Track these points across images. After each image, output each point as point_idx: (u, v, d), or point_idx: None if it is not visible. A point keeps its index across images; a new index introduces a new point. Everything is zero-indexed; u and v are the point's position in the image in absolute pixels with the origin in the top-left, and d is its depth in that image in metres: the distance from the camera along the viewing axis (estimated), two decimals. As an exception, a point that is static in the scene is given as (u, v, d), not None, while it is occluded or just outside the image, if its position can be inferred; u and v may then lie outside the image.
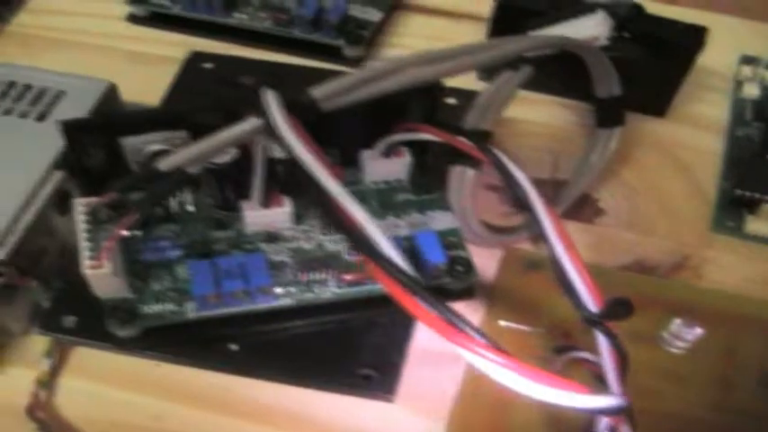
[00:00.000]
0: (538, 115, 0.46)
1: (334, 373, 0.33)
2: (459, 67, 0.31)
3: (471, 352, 0.24)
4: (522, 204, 0.31)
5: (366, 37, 0.47)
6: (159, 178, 0.31)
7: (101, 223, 0.33)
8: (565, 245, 0.29)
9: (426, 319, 0.25)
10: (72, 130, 0.33)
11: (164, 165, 0.31)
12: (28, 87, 0.40)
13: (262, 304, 0.33)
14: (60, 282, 0.35)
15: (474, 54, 0.31)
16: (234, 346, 0.33)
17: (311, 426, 0.33)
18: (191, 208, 0.36)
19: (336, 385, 0.33)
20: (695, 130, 0.45)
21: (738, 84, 0.47)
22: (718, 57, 0.47)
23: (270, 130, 0.28)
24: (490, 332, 0.34)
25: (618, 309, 0.28)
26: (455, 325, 0.25)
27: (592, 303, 0.29)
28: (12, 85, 0.40)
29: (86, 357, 0.35)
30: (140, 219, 0.32)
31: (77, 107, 0.39)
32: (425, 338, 0.35)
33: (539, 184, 0.40)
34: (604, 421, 0.28)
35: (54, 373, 0.34)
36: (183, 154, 0.30)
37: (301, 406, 0.33)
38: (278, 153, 0.32)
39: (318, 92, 0.29)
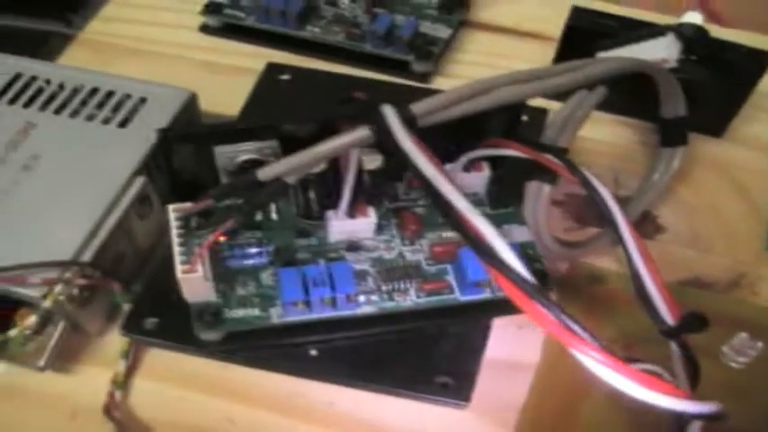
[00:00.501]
0: (601, 134, 0.47)
1: (411, 380, 0.34)
2: (546, 88, 0.33)
3: (585, 354, 0.26)
4: (604, 220, 0.32)
5: (435, 53, 0.49)
6: (258, 187, 0.32)
7: (193, 229, 0.34)
8: (645, 260, 0.31)
9: (545, 323, 0.27)
10: (168, 137, 0.34)
11: (263, 174, 0.32)
12: (110, 94, 0.41)
13: (345, 311, 0.34)
14: (140, 284, 0.36)
15: (561, 76, 0.33)
16: (313, 352, 0.35)
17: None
18: (275, 216, 0.37)
19: (414, 392, 0.34)
20: (751, 151, 0.47)
21: (791, 106, 0.49)
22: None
23: (387, 142, 0.30)
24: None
25: (693, 322, 0.30)
26: (570, 329, 0.26)
27: (669, 316, 0.31)
28: (94, 91, 0.41)
29: (160, 359, 0.36)
30: (237, 226, 0.34)
31: (159, 114, 0.40)
32: (495, 347, 0.36)
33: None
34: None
35: (129, 373, 0.35)
36: (284, 164, 0.32)
37: (377, 413, 0.35)
38: (368, 165, 0.34)
39: (418, 108, 0.31)
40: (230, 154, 0.35)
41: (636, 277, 0.31)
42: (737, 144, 0.47)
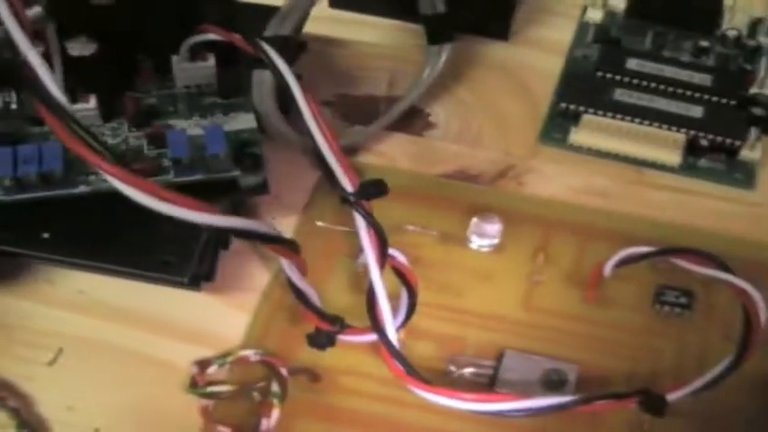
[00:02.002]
0: (376, 37, 0.47)
1: (135, 258, 0.34)
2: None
3: (106, 173, 0.27)
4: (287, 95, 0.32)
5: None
6: None
7: None
8: (320, 128, 0.31)
9: (65, 139, 0.27)
10: None
11: None
12: None
13: (61, 190, 0.34)
14: None
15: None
16: (45, 235, 0.35)
17: (130, 315, 0.35)
18: (14, 106, 0.37)
19: (138, 270, 0.34)
20: (538, 53, 0.47)
21: (584, 9, 0.48)
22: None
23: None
24: (307, 231, 0.37)
25: (371, 188, 0.30)
26: (84, 141, 0.27)
27: (348, 184, 0.30)
28: None
29: None
30: None
31: None
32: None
33: (373, 100, 0.42)
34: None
35: None
36: None
37: (121, 299, 0.36)
38: (75, 51, 0.33)
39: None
40: None
41: (315, 149, 0.31)
42: (524, 46, 0.47)
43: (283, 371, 0.32)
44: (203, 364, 0.33)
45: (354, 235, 0.35)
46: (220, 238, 0.36)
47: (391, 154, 0.41)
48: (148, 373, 0.34)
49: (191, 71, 0.37)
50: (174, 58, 0.37)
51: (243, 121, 0.37)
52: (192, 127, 0.36)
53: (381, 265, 0.30)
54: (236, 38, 0.34)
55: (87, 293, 0.36)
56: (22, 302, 0.36)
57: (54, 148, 0.34)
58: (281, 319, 0.35)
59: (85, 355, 0.34)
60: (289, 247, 0.30)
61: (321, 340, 0.30)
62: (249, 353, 0.33)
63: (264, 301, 0.35)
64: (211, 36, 0.35)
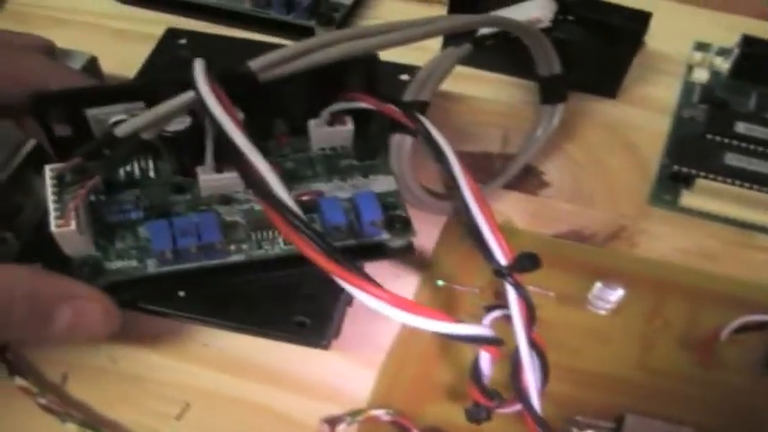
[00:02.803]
0: (493, 93, 0.48)
1: (272, 320, 0.36)
2: (393, 40, 0.34)
3: (348, 284, 0.28)
4: (443, 165, 0.34)
5: (337, 18, 0.50)
6: (117, 144, 0.34)
7: (67, 186, 0.35)
8: (477, 202, 0.32)
9: (309, 252, 0.29)
10: (37, 102, 0.35)
11: (120, 131, 0.33)
12: None
13: (215, 260, 0.35)
14: (29, 236, 0.38)
15: (406, 30, 0.34)
16: (182, 293, 0.36)
17: (256, 370, 0.36)
18: (152, 174, 0.38)
19: (273, 331, 0.36)
20: (644, 111, 0.48)
21: (689, 68, 0.49)
22: (672, 42, 0.50)
23: (195, 92, 0.31)
24: (428, 291, 0.38)
25: (525, 262, 0.31)
26: (337, 260, 0.28)
27: (501, 257, 0.32)
28: None
29: None
30: (101, 181, 0.35)
31: None
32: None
33: (488, 157, 0.44)
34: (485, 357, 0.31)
35: None
36: (135, 121, 0.33)
37: (247, 354, 0.37)
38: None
39: (256, 63, 0.32)
40: (101, 116, 0.36)
41: (469, 219, 0.32)
42: (631, 104, 0.48)
43: (414, 432, 0.33)
44: (333, 422, 0.34)
45: (475, 294, 0.37)
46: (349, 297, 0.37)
47: (507, 213, 0.42)
48: (273, 429, 0.35)
49: (329, 134, 0.38)
50: (313, 122, 0.38)
51: (385, 184, 0.38)
52: (336, 190, 0.38)
53: (529, 337, 0.31)
54: (389, 108, 0.35)
55: (212, 347, 0.37)
56: (151, 355, 0.37)
57: (209, 220, 0.35)
58: (405, 378, 0.36)
59: (212, 409, 0.35)
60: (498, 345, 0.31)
61: (480, 415, 0.31)
62: (380, 412, 0.34)
63: (390, 358, 0.37)
64: (362, 105, 0.36)
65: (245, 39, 0.49)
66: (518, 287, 0.32)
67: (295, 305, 0.36)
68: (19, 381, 0.35)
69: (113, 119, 0.36)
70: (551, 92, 0.42)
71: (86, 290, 0.34)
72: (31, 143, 0.39)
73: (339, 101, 0.37)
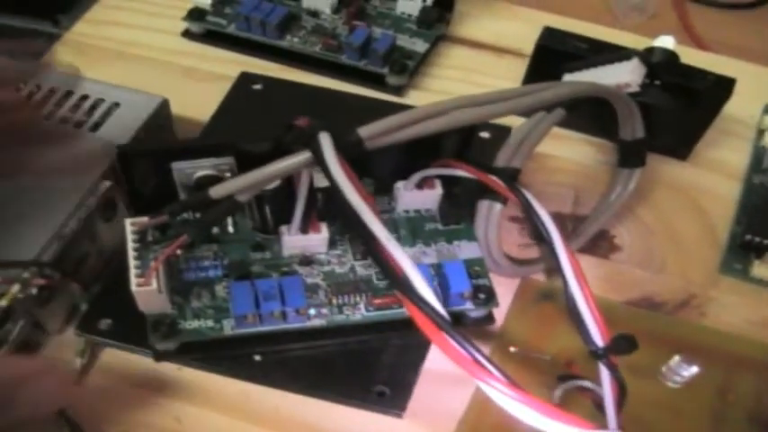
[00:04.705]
0: (565, 151, 0.48)
1: (351, 388, 0.36)
2: (497, 112, 0.34)
3: (489, 386, 0.28)
4: (543, 239, 0.34)
5: (410, 67, 0.50)
6: (211, 205, 0.34)
7: (149, 243, 0.35)
8: (579, 281, 0.32)
9: (453, 355, 0.28)
10: (126, 154, 0.35)
11: (215, 192, 0.33)
12: (84, 97, 0.42)
13: (295, 324, 0.35)
14: (98, 286, 0.38)
15: (512, 100, 0.34)
16: (258, 357, 0.36)
17: None
18: (231, 230, 0.38)
19: (352, 399, 0.36)
20: (715, 175, 0.48)
21: (760, 133, 0.49)
22: (743, 105, 0.49)
23: (322, 168, 0.31)
24: (501, 357, 0.38)
25: (623, 344, 0.31)
26: (477, 361, 0.28)
27: (599, 338, 0.32)
28: (68, 94, 0.42)
29: (116, 359, 0.37)
30: (190, 242, 0.35)
31: (130, 120, 0.41)
32: (438, 360, 0.37)
33: (560, 217, 0.44)
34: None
35: (85, 371, 0.36)
36: (235, 182, 0.33)
37: (318, 418, 0.36)
38: (320, 183, 0.35)
39: (365, 131, 0.32)
40: (187, 170, 0.36)
41: (569, 297, 0.32)
42: (702, 168, 0.48)
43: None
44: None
45: (546, 362, 0.37)
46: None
47: (581, 277, 0.42)
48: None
49: (417, 197, 0.38)
50: (401, 184, 0.38)
51: (469, 251, 0.38)
52: (421, 255, 0.38)
53: (619, 422, 0.31)
54: (489, 178, 0.36)
55: (282, 410, 0.36)
56: (218, 416, 0.36)
57: (294, 284, 0.35)
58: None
59: None
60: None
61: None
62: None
63: (462, 427, 0.36)
64: (458, 172, 0.36)
65: (317, 87, 0.49)
66: (613, 370, 0.32)
67: (375, 373, 0.36)
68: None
69: (199, 173, 0.36)
70: (631, 156, 0.42)
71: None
72: (104, 185, 0.38)
73: (434, 166, 0.37)
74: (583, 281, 0.32)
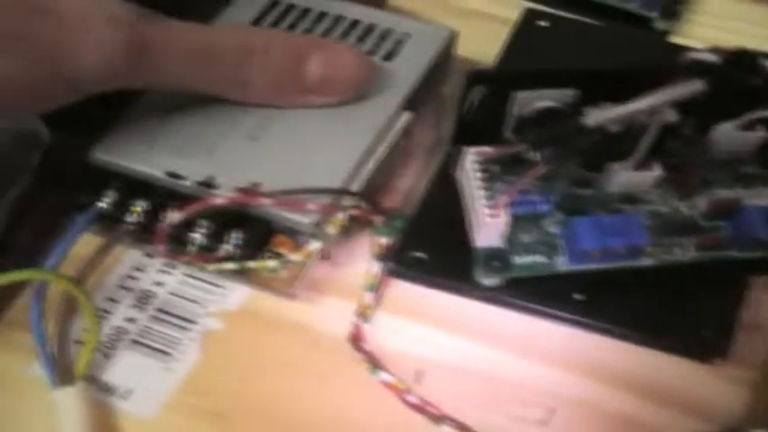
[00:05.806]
0: None
1: (671, 332, 0.34)
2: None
3: None
4: None
5: (679, 11, 0.49)
6: (580, 135, 0.33)
7: (496, 174, 0.35)
8: None
9: None
10: (476, 80, 0.34)
11: (591, 120, 0.32)
12: (371, 27, 0.42)
13: (628, 262, 0.35)
14: (403, 221, 0.37)
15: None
16: (578, 296, 0.35)
17: (625, 380, 0.34)
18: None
19: (671, 344, 0.34)
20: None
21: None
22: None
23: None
24: None
25: None
26: None
27: None
28: (355, 23, 0.42)
29: (404, 295, 0.36)
30: (545, 173, 0.34)
31: (422, 51, 0.41)
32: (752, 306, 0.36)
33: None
34: None
35: (374, 306, 0.36)
36: (615, 112, 0.32)
37: (614, 360, 0.34)
38: (669, 117, 0.34)
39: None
40: (527, 100, 0.35)
41: None
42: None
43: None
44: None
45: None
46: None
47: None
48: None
49: (736, 140, 0.37)
50: (724, 126, 0.36)
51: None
52: (754, 198, 0.36)
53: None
54: None
55: (577, 353, 0.35)
56: (509, 356, 0.35)
57: (635, 220, 0.35)
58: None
59: (578, 418, 0.33)
60: None
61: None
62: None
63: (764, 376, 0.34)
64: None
65: (603, 26, 0.47)
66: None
67: (699, 317, 0.34)
68: (384, 376, 0.33)
69: (539, 104, 0.35)
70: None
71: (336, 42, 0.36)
72: (405, 116, 0.38)
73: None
74: None
